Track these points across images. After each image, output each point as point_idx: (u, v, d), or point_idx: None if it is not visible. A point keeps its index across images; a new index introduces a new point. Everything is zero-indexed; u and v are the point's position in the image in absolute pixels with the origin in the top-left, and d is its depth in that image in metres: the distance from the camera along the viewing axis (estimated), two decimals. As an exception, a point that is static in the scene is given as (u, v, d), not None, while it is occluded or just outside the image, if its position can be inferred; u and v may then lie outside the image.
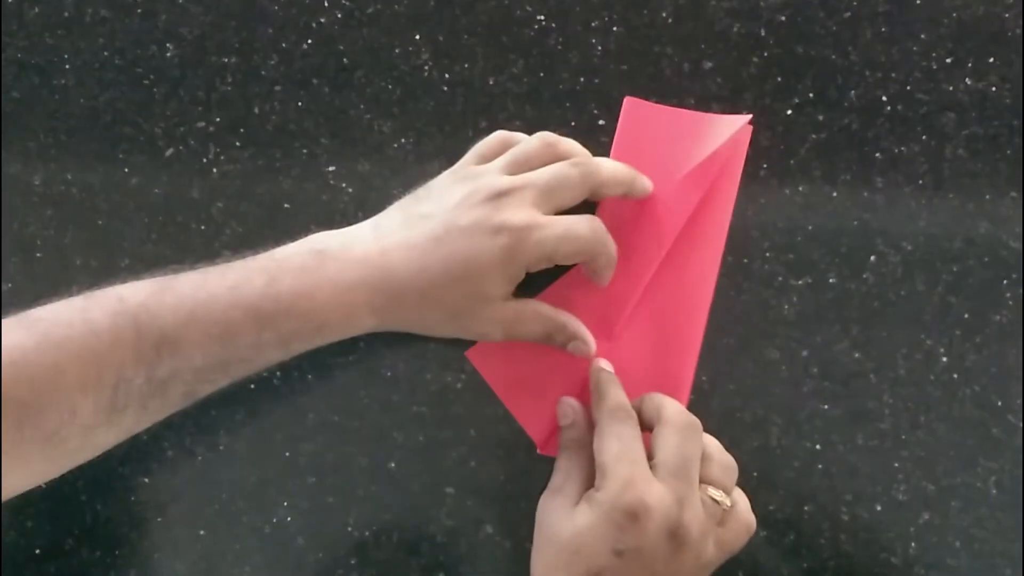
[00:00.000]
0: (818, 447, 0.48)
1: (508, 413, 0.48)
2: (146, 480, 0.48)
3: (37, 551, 0.48)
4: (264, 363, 0.42)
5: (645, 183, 0.46)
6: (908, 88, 0.49)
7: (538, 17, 0.50)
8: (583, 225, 0.43)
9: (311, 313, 0.41)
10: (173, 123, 0.50)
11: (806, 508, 0.47)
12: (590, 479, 0.42)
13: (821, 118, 0.49)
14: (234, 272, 0.41)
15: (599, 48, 0.50)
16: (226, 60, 0.50)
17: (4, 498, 0.38)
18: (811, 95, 0.49)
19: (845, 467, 0.47)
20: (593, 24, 0.50)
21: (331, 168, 0.50)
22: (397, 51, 0.50)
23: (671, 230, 0.47)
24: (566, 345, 0.45)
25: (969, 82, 0.49)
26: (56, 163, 0.50)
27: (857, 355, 0.48)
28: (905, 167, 0.49)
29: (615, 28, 0.50)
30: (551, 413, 0.46)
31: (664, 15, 0.50)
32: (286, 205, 0.49)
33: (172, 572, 0.48)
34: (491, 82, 0.50)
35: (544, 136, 0.46)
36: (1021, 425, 0.47)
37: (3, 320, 0.38)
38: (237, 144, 0.50)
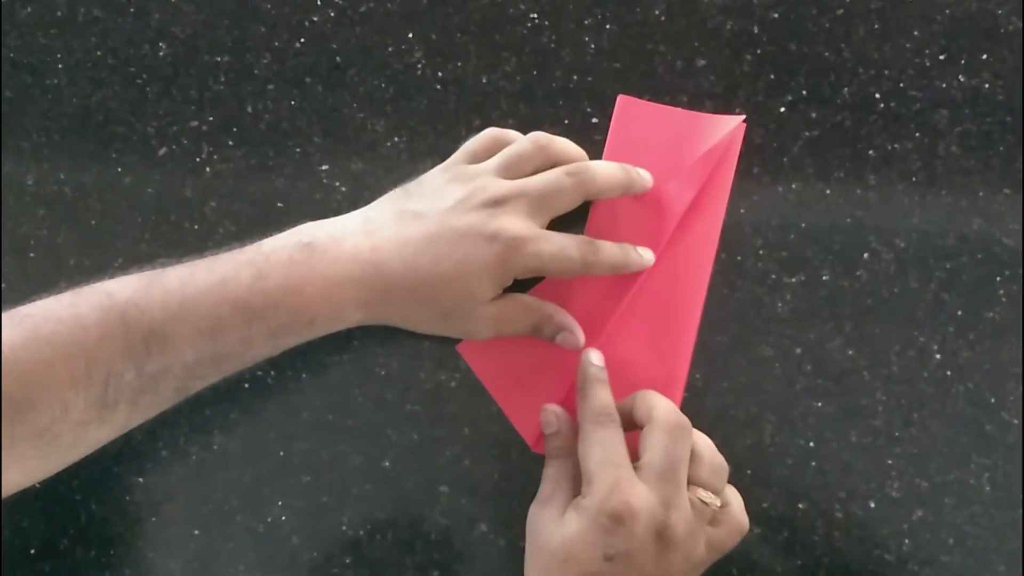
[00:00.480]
0: (812, 444, 0.48)
1: (502, 412, 0.48)
2: (140, 479, 0.48)
3: (32, 551, 0.48)
4: (253, 358, 0.42)
5: (644, 182, 0.46)
6: (901, 85, 0.49)
7: (531, 15, 0.50)
8: (573, 249, 0.44)
9: (300, 308, 0.41)
10: (166, 122, 0.50)
11: (800, 505, 0.48)
12: (577, 486, 0.42)
13: (814, 115, 0.49)
14: (222, 266, 0.41)
15: (592, 46, 0.50)
16: (219, 59, 0.50)
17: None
18: (804, 92, 0.49)
19: (839, 464, 0.48)
20: (586, 22, 0.50)
21: (324, 167, 0.50)
22: (390, 49, 0.50)
23: (664, 228, 0.47)
24: (555, 337, 0.45)
25: (962, 79, 0.49)
26: (49, 163, 0.50)
27: (851, 352, 0.48)
28: (898, 164, 0.49)
29: (608, 26, 0.50)
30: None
31: (657, 13, 0.50)
32: (279, 204, 0.49)
33: (166, 571, 0.48)
34: (484, 80, 0.50)
35: (537, 138, 0.46)
36: (1015, 422, 0.48)
37: None
38: (230, 143, 0.50)
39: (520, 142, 0.46)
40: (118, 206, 0.50)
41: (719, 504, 0.42)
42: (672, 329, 0.47)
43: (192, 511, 0.48)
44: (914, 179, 0.49)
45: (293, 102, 0.50)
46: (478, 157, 0.46)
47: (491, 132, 0.47)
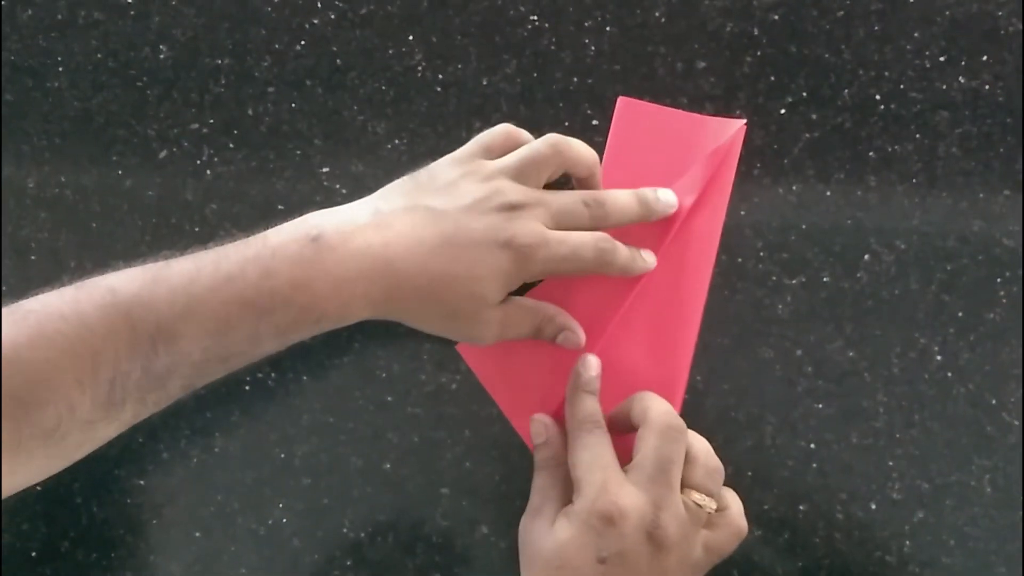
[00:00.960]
0: (812, 446, 0.48)
1: (503, 414, 0.48)
2: (141, 482, 0.48)
3: (33, 553, 0.48)
4: (261, 353, 0.42)
5: (664, 207, 0.46)
6: (901, 87, 0.49)
7: (531, 17, 0.50)
8: (589, 248, 0.43)
9: (309, 305, 0.40)
10: (166, 125, 0.50)
11: (801, 507, 0.48)
12: (567, 496, 0.42)
13: (814, 117, 0.49)
14: (227, 262, 0.40)
15: (592, 48, 0.50)
16: (219, 62, 0.50)
17: (7, 494, 0.38)
18: (804, 94, 0.49)
19: (839, 466, 0.48)
20: (586, 24, 0.50)
21: (325, 169, 0.50)
22: (390, 52, 0.50)
23: (665, 230, 0.47)
24: (556, 337, 0.45)
25: (962, 80, 0.49)
26: (50, 165, 0.50)
27: (851, 354, 0.48)
28: (899, 166, 0.49)
29: (608, 28, 0.50)
30: (542, 411, 0.46)
31: (657, 15, 0.50)
32: (280, 206, 0.49)
33: (168, 574, 0.48)
34: (484, 82, 0.50)
35: (554, 141, 0.45)
36: (1015, 423, 0.48)
37: None
38: (231, 146, 0.50)
39: (537, 145, 0.45)
40: (119, 208, 0.50)
41: (714, 507, 0.42)
42: (673, 331, 0.47)
43: (193, 513, 0.48)
44: (914, 180, 0.49)
45: (294, 104, 0.50)
46: (492, 152, 0.45)
47: (505, 128, 0.46)
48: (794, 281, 0.48)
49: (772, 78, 0.49)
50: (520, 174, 0.44)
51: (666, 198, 0.46)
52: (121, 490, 0.48)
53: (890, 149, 0.49)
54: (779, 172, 0.49)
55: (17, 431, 0.36)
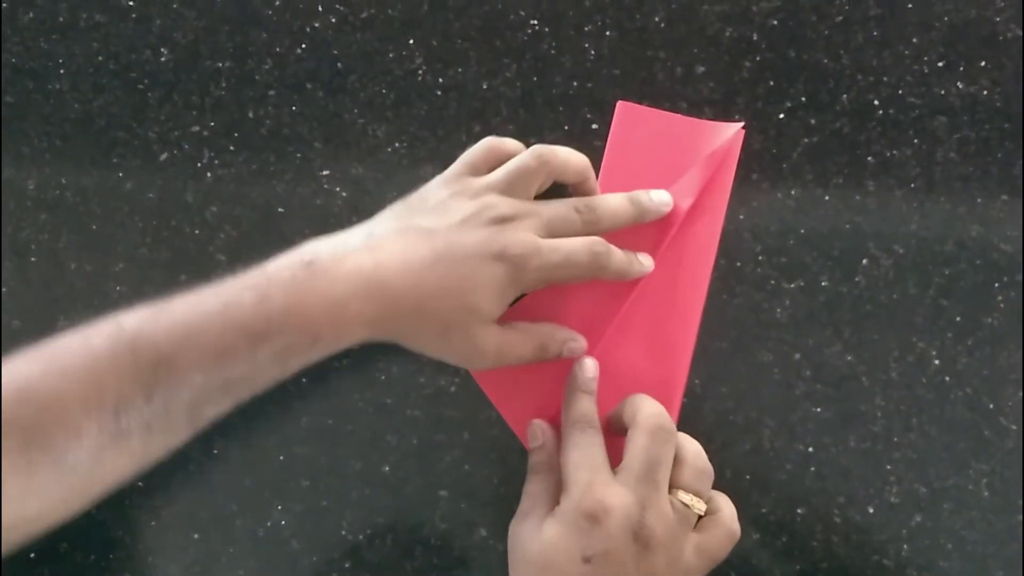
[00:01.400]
0: (810, 450, 0.48)
1: (501, 417, 0.48)
2: (140, 484, 0.48)
3: (31, 555, 0.48)
4: (265, 381, 0.42)
5: (658, 207, 0.46)
6: (900, 92, 0.49)
7: (531, 21, 0.50)
8: (583, 253, 0.43)
9: (304, 328, 0.41)
10: (167, 127, 0.50)
11: (799, 511, 0.48)
12: (558, 501, 0.42)
13: (813, 122, 0.49)
14: (226, 290, 0.41)
15: (592, 52, 0.50)
16: (220, 65, 0.51)
17: (31, 534, 0.39)
18: (803, 99, 0.49)
19: (837, 469, 0.48)
20: (586, 28, 0.50)
21: (325, 172, 0.50)
22: (391, 55, 0.50)
23: (663, 234, 0.47)
24: (561, 351, 0.45)
25: (960, 86, 0.49)
26: (50, 167, 0.50)
27: (849, 358, 0.48)
28: (897, 170, 0.49)
29: (608, 32, 0.50)
30: (540, 415, 0.46)
31: (657, 19, 0.50)
32: (280, 209, 0.50)
33: (166, 575, 0.48)
34: (484, 86, 0.50)
35: (540, 152, 0.44)
36: (1013, 427, 0.48)
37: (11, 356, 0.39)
38: (231, 148, 0.50)
39: (523, 157, 0.45)
40: (119, 211, 0.50)
41: (703, 508, 0.42)
42: (671, 335, 0.48)
43: (192, 515, 0.48)
44: (913, 185, 0.49)
45: (294, 107, 0.50)
46: (478, 168, 0.45)
47: (489, 142, 0.46)
48: (792, 285, 0.49)
49: (771, 83, 0.50)
50: (509, 188, 0.44)
51: (659, 198, 0.46)
52: (120, 492, 0.48)
53: (888, 154, 0.49)
54: (778, 176, 0.49)
55: (25, 455, 0.37)
